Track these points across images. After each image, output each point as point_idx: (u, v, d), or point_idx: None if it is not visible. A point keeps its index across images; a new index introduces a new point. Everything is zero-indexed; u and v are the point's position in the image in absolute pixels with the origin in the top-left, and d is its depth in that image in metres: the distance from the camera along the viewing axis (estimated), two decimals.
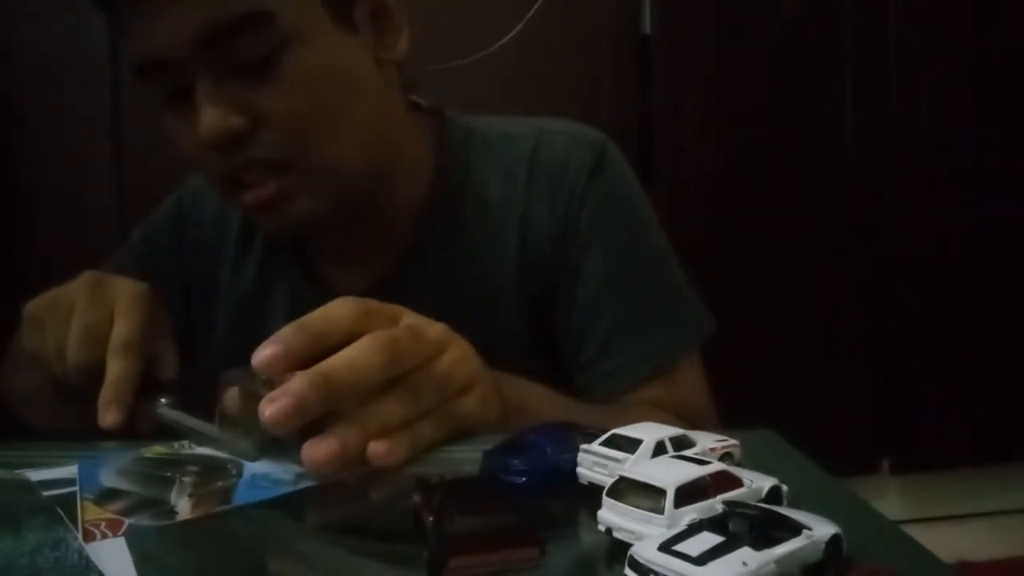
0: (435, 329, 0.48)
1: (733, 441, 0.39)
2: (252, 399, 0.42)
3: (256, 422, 0.41)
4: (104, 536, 0.35)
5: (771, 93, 1.71)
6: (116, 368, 0.53)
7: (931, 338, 1.76)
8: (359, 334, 0.44)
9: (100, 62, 1.54)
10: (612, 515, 0.31)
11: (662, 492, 0.30)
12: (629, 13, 1.68)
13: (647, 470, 0.32)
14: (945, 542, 1.62)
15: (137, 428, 0.52)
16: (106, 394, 0.52)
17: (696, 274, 0.76)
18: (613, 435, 0.38)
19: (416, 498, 0.34)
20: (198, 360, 0.77)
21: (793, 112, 1.71)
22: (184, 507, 0.38)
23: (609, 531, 0.31)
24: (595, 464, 0.37)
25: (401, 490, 0.38)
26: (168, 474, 0.43)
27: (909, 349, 1.76)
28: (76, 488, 0.40)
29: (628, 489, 0.32)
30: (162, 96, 0.61)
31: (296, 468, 0.42)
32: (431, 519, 0.32)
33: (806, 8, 1.69)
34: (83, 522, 0.36)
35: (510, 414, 0.52)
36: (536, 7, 1.63)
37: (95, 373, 0.54)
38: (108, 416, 0.51)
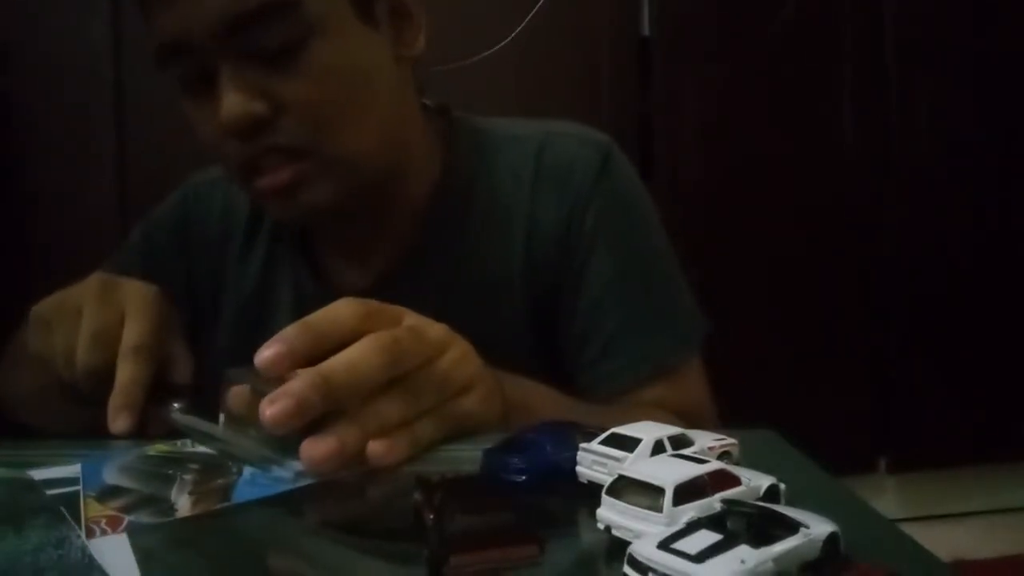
0: (436, 329, 0.49)
1: (731, 440, 0.39)
2: (258, 399, 0.42)
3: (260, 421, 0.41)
4: (104, 533, 0.35)
5: (771, 93, 1.71)
6: (126, 372, 0.53)
7: (928, 337, 1.76)
8: (362, 334, 0.44)
9: (101, 62, 1.54)
10: (611, 513, 0.32)
11: (661, 490, 0.31)
12: (629, 14, 1.68)
13: (646, 469, 0.33)
14: (942, 540, 1.62)
15: (148, 433, 0.52)
16: (116, 399, 0.52)
17: (696, 274, 0.76)
18: (612, 434, 0.38)
19: (416, 496, 0.34)
20: (201, 359, 0.77)
21: (793, 112, 1.71)
22: (184, 504, 0.39)
23: (608, 529, 0.32)
24: (594, 463, 0.37)
25: (401, 488, 0.38)
26: (169, 471, 0.43)
27: (906, 348, 1.76)
28: (79, 487, 0.40)
29: (627, 487, 0.32)
30: (182, 81, 0.62)
31: (297, 466, 0.42)
32: (431, 517, 0.32)
33: (806, 8, 1.69)
34: (86, 520, 0.36)
35: (511, 413, 0.52)
36: (536, 9, 1.63)
37: (105, 377, 0.53)
38: (118, 422, 0.51)
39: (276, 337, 0.43)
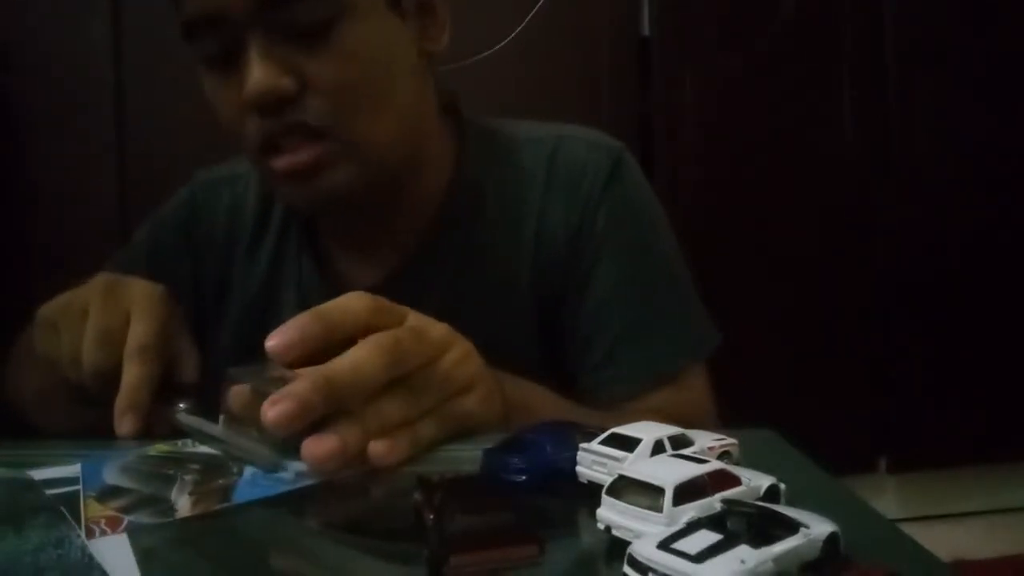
0: (438, 329, 0.49)
1: (731, 440, 0.39)
2: (261, 399, 0.42)
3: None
4: (103, 533, 0.35)
5: (771, 94, 1.71)
6: (132, 373, 0.53)
7: (928, 337, 1.76)
8: (370, 327, 0.45)
9: (102, 62, 1.54)
10: (611, 513, 0.32)
11: (661, 490, 0.31)
12: (629, 14, 1.68)
13: (646, 469, 0.33)
14: (942, 540, 1.62)
15: (155, 434, 0.51)
16: (122, 400, 0.52)
17: (696, 274, 0.76)
18: (612, 434, 0.38)
19: (417, 496, 0.34)
20: (207, 358, 0.77)
21: (792, 113, 1.71)
22: (184, 505, 0.39)
23: (608, 529, 0.32)
24: (594, 463, 0.37)
25: (401, 488, 0.39)
26: (169, 472, 0.43)
27: (906, 348, 1.76)
28: (79, 487, 0.40)
29: (627, 487, 0.32)
30: (205, 56, 0.62)
31: (298, 466, 0.42)
32: (431, 517, 0.32)
33: (806, 8, 1.69)
34: (86, 520, 0.36)
35: (511, 414, 0.52)
36: (536, 9, 1.63)
37: (111, 377, 0.53)
38: (124, 425, 0.51)
39: (287, 324, 0.43)
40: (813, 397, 1.67)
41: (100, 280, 0.58)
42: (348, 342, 0.44)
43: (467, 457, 0.43)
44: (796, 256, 1.71)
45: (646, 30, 1.68)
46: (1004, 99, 1.76)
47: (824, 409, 1.65)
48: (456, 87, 0.74)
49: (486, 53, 1.58)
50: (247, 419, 0.43)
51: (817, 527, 0.29)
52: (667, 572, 0.26)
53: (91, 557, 0.32)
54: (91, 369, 0.54)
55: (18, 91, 1.55)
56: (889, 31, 1.72)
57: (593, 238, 0.71)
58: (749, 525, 0.28)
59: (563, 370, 0.71)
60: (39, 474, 0.42)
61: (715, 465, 0.33)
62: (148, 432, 0.52)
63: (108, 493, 0.40)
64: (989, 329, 1.77)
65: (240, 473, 0.42)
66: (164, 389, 0.54)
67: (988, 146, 1.75)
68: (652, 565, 0.27)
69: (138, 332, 0.54)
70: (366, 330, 0.45)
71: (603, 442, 0.38)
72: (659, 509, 0.30)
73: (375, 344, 0.44)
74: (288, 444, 0.42)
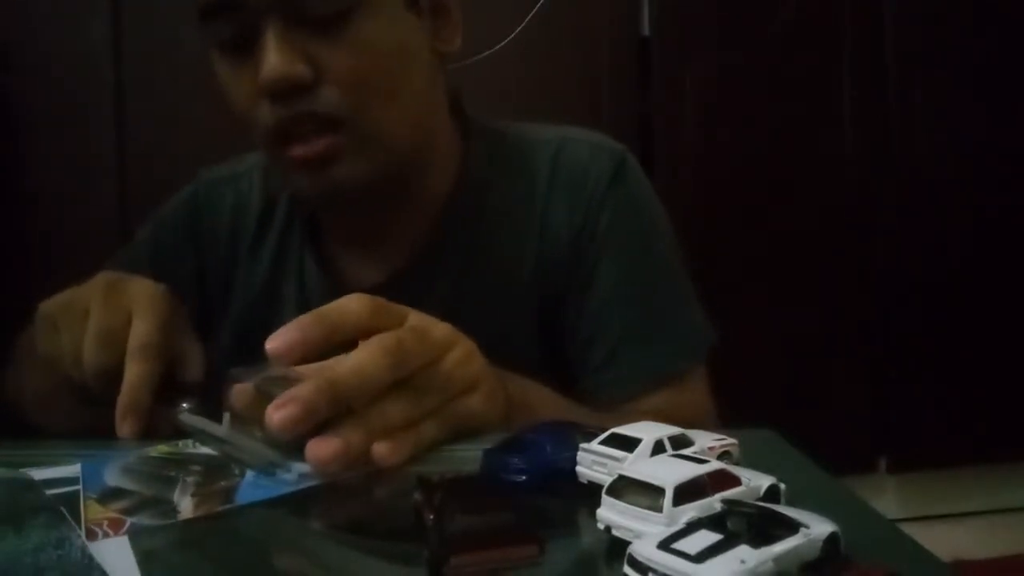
0: (440, 329, 0.49)
1: (731, 440, 0.39)
2: (264, 399, 0.42)
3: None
4: (106, 535, 0.35)
5: (771, 94, 1.71)
6: (133, 372, 0.52)
7: (928, 337, 1.76)
8: (371, 330, 0.45)
9: (102, 62, 1.55)
10: (611, 513, 0.32)
11: (661, 491, 0.31)
12: (629, 14, 1.68)
13: (646, 469, 0.33)
14: (942, 540, 1.62)
15: (157, 434, 0.51)
16: (123, 401, 0.52)
17: (696, 273, 0.76)
18: (612, 434, 0.38)
19: (417, 496, 0.34)
20: (210, 357, 0.76)
21: (793, 112, 1.71)
22: (187, 506, 0.39)
23: (608, 529, 0.32)
24: (594, 463, 0.37)
25: (402, 489, 0.39)
26: (171, 473, 0.43)
27: (906, 348, 1.76)
28: (79, 487, 0.40)
29: (627, 487, 0.32)
30: (220, 42, 0.62)
31: (301, 467, 0.42)
32: (432, 517, 0.32)
33: (806, 8, 1.69)
34: (86, 521, 0.36)
35: (513, 413, 0.52)
36: (536, 9, 1.63)
37: (113, 377, 0.53)
38: (125, 426, 0.51)
39: (290, 324, 0.43)
40: (813, 397, 1.67)
41: (101, 279, 0.58)
42: (349, 343, 0.44)
43: (467, 457, 0.44)
44: (796, 256, 1.71)
45: (646, 30, 1.68)
46: (1004, 99, 1.76)
47: (824, 409, 1.65)
48: (457, 87, 0.74)
49: (486, 53, 1.58)
50: (250, 418, 0.43)
51: (817, 527, 0.29)
52: (667, 572, 0.26)
53: (91, 557, 0.32)
54: (93, 369, 0.54)
55: (18, 91, 1.55)
56: (889, 31, 1.72)
57: (595, 239, 0.71)
58: (749, 525, 0.28)
59: (563, 371, 0.71)
60: (39, 474, 0.42)
61: (715, 465, 0.33)
62: (151, 433, 0.51)
63: (109, 495, 0.40)
64: (989, 329, 1.77)
65: (242, 474, 0.42)
66: (167, 388, 0.54)
67: (988, 146, 1.76)
68: (652, 565, 0.27)
69: (139, 331, 0.54)
70: (367, 332, 0.45)
71: (603, 442, 0.38)
72: (659, 509, 0.30)
73: (378, 346, 0.44)
74: (291, 445, 0.42)
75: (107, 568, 0.31)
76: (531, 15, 1.63)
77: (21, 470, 0.42)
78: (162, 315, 0.55)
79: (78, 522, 0.36)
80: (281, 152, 0.63)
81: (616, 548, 0.30)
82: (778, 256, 1.70)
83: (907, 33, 1.72)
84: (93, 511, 0.37)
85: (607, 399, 0.69)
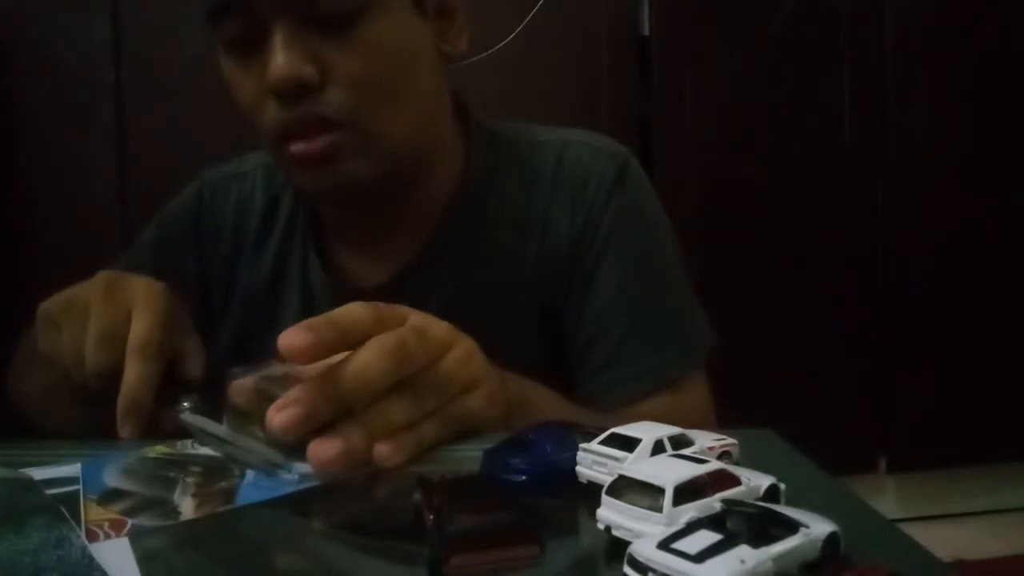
0: (440, 328, 0.49)
1: (731, 440, 0.40)
2: (265, 398, 0.42)
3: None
4: (107, 536, 0.35)
5: (770, 94, 1.71)
6: (133, 372, 0.52)
7: (928, 337, 1.76)
8: (372, 336, 0.45)
9: (102, 62, 1.55)
10: (611, 513, 0.32)
11: (661, 491, 0.31)
12: (628, 14, 1.68)
13: (646, 469, 0.33)
14: (942, 540, 1.62)
15: (159, 434, 0.51)
16: (123, 401, 0.52)
17: (696, 273, 0.76)
18: (612, 434, 0.38)
19: (417, 496, 0.35)
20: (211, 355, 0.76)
21: (793, 112, 1.71)
22: (187, 507, 0.39)
23: (608, 529, 0.32)
24: (594, 463, 0.37)
25: (402, 489, 0.39)
26: (171, 474, 0.43)
27: (906, 348, 1.76)
28: (79, 487, 0.40)
29: (627, 487, 0.32)
30: (227, 41, 0.62)
31: (302, 467, 0.42)
32: (432, 517, 0.32)
33: (806, 8, 1.69)
34: (86, 522, 0.36)
35: (513, 413, 0.52)
36: (536, 9, 1.63)
37: (114, 375, 0.53)
38: (126, 427, 0.51)
39: (303, 325, 0.42)
40: (813, 396, 1.67)
41: (101, 277, 0.58)
42: (350, 348, 0.44)
43: (467, 457, 0.44)
44: (796, 256, 1.71)
45: (646, 30, 1.68)
46: (1004, 99, 1.76)
47: (824, 409, 1.65)
48: (456, 87, 0.74)
49: (486, 53, 1.58)
50: (250, 416, 0.43)
51: (817, 527, 0.29)
52: (667, 572, 0.26)
53: (91, 558, 0.32)
54: (94, 369, 0.54)
55: (18, 91, 1.55)
56: (889, 31, 1.72)
57: (596, 242, 0.71)
58: (749, 525, 0.28)
59: (564, 373, 0.71)
60: (39, 474, 0.42)
61: (715, 465, 0.33)
62: (152, 433, 0.51)
63: (109, 496, 0.40)
64: (989, 329, 1.77)
65: (242, 475, 0.42)
66: (168, 386, 0.54)
67: (986, 146, 1.76)
68: (652, 565, 0.27)
69: (139, 329, 0.54)
70: (367, 340, 0.44)
71: (603, 442, 0.38)
72: (659, 509, 0.30)
73: (379, 347, 0.44)
74: (292, 446, 0.42)
75: (107, 569, 0.31)
76: (531, 15, 1.63)
77: (21, 470, 0.42)
78: (162, 312, 0.55)
79: (78, 522, 0.36)
80: (284, 150, 0.63)
81: (616, 548, 0.30)
82: (778, 256, 1.70)
83: (907, 33, 1.72)
84: (93, 513, 0.37)
85: (607, 402, 0.69)
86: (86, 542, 0.34)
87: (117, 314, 0.55)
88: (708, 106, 1.69)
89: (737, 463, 0.38)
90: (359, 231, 0.74)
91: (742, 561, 0.26)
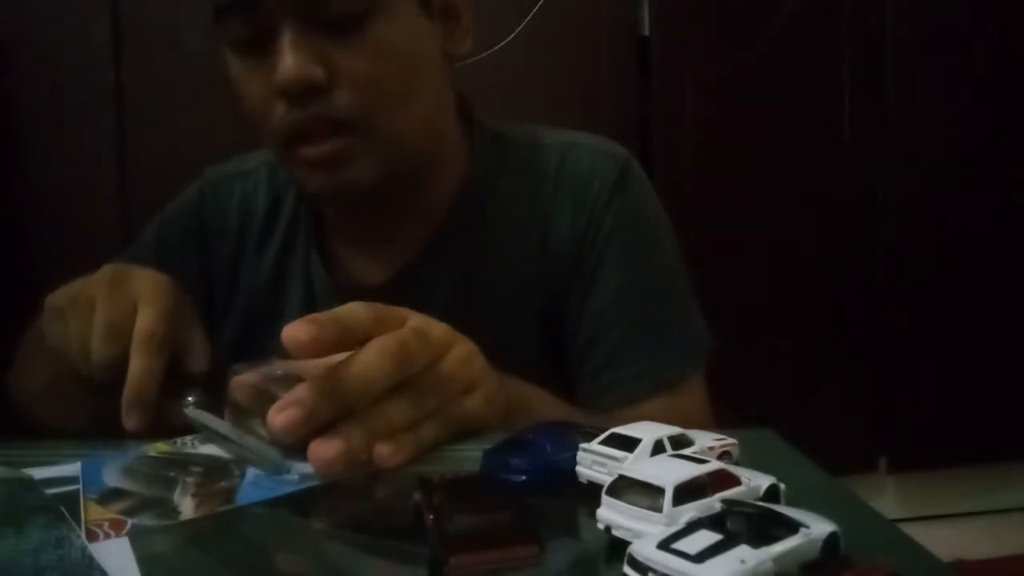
0: (440, 329, 0.49)
1: (731, 440, 0.40)
2: (266, 398, 0.42)
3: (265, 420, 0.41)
4: (107, 536, 0.35)
5: (770, 93, 1.71)
6: (138, 365, 0.52)
7: (928, 337, 1.76)
8: (373, 337, 0.45)
9: (102, 62, 1.54)
10: (611, 513, 0.32)
11: (661, 491, 0.31)
12: (628, 14, 1.68)
13: (646, 469, 0.33)
14: (942, 540, 1.62)
15: (163, 429, 0.51)
16: (128, 394, 0.52)
17: (696, 273, 0.76)
18: (612, 434, 0.38)
19: (417, 496, 0.35)
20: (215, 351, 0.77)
21: (792, 112, 1.71)
22: (187, 507, 0.39)
23: (608, 529, 0.32)
24: (594, 463, 0.37)
25: (402, 489, 0.39)
26: (171, 474, 0.43)
27: (906, 348, 1.76)
28: (79, 486, 0.40)
29: (627, 487, 0.32)
30: (235, 42, 0.62)
31: (302, 467, 0.42)
32: (432, 517, 0.32)
33: (806, 8, 1.69)
34: (86, 522, 0.36)
35: (513, 414, 0.52)
36: (536, 9, 1.63)
37: (120, 368, 0.53)
38: (131, 420, 0.51)
39: (307, 319, 0.43)
40: (813, 397, 1.67)
41: (107, 270, 0.58)
42: (352, 347, 0.44)
43: (467, 457, 0.44)
44: (796, 255, 1.71)
45: (646, 30, 1.68)
46: (1004, 98, 1.76)
47: (824, 409, 1.65)
48: (457, 87, 0.74)
49: (486, 53, 1.58)
50: (252, 412, 0.43)
51: (817, 527, 0.29)
52: (667, 572, 0.26)
53: (91, 558, 0.32)
54: (100, 361, 0.54)
55: (18, 91, 1.55)
56: (889, 31, 1.72)
57: (597, 244, 0.72)
58: (749, 525, 0.28)
59: (564, 375, 0.71)
60: (39, 474, 0.42)
61: (715, 465, 0.33)
62: (156, 427, 0.51)
63: (109, 496, 0.40)
64: (989, 329, 1.77)
65: (242, 475, 0.42)
66: (173, 379, 0.53)
67: (986, 146, 1.76)
68: (652, 565, 0.27)
69: (144, 321, 0.54)
70: (368, 340, 0.45)
71: (603, 442, 0.38)
72: (659, 509, 0.30)
73: (380, 348, 0.44)
74: (293, 445, 0.42)
75: (107, 569, 0.31)
76: (531, 15, 1.63)
77: (21, 469, 0.42)
78: (167, 306, 0.55)
79: (78, 522, 0.36)
80: (291, 152, 0.63)
81: (616, 548, 0.30)
82: (778, 255, 1.70)
83: (906, 33, 1.72)
84: (93, 512, 0.37)
85: (606, 402, 0.69)
86: (86, 542, 0.34)
87: (123, 307, 0.55)
88: (708, 106, 1.69)
89: (737, 463, 0.38)
90: (362, 230, 0.74)
91: (742, 561, 0.26)
